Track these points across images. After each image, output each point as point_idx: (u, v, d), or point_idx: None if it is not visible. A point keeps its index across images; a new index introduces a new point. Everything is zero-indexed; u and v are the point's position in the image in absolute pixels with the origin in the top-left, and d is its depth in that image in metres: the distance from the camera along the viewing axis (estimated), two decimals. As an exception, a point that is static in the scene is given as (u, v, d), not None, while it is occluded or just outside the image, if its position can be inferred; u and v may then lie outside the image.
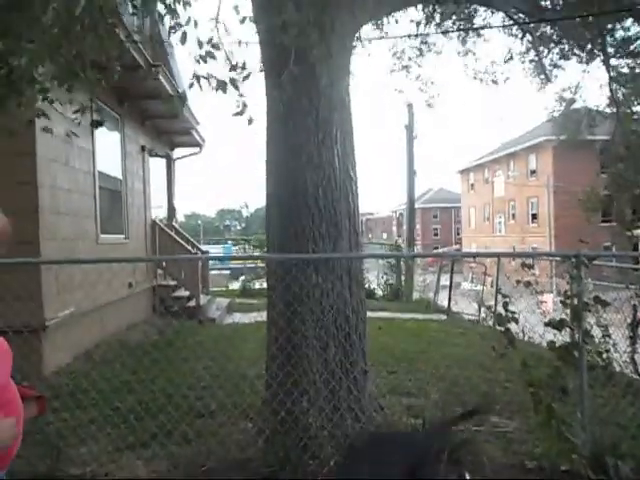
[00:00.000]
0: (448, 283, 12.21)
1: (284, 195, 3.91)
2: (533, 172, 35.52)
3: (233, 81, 3.29)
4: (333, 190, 3.86)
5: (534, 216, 35.63)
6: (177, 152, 13.29)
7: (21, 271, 5.00)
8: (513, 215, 38.66)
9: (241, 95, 3.30)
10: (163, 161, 12.48)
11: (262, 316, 6.64)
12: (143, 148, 10.16)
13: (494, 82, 7.98)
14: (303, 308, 3.65)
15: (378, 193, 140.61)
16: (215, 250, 29.65)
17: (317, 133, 3.86)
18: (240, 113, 3.31)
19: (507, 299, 3.63)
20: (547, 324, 3.69)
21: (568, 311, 3.61)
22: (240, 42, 3.42)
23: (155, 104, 9.02)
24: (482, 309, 10.14)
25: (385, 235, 72.33)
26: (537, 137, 33.02)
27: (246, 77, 3.36)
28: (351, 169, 4.04)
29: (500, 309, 3.71)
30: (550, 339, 3.69)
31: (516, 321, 3.58)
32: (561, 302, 3.76)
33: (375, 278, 15.54)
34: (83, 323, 6.69)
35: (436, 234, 59.64)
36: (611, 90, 7.63)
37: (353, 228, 3.96)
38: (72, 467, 3.51)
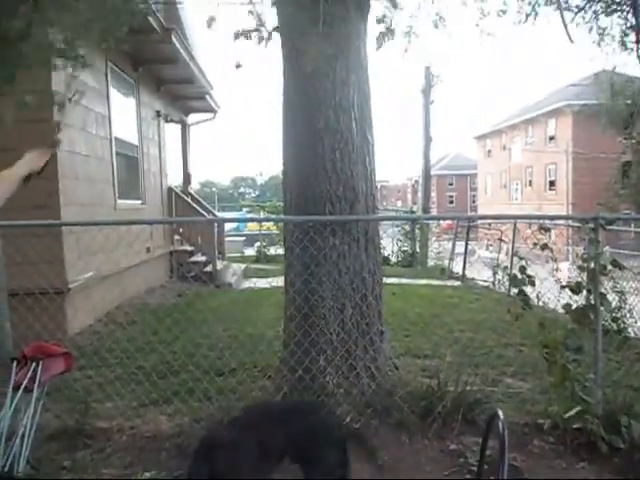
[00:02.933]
0: (463, 250, 12.16)
1: (301, 158, 3.91)
2: (552, 138, 34.71)
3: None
4: (350, 153, 3.85)
5: (552, 183, 35.02)
6: (191, 118, 13.26)
7: (45, 235, 5.16)
8: (530, 182, 38.00)
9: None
10: (178, 127, 12.47)
11: (278, 281, 6.75)
12: (158, 113, 10.15)
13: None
14: (320, 270, 3.70)
15: (393, 161, 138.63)
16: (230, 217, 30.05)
17: (334, 95, 3.81)
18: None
19: (524, 261, 3.64)
20: (563, 287, 3.71)
21: (585, 275, 3.62)
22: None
23: (170, 69, 8.97)
24: (497, 274, 10.12)
25: (400, 203, 71.86)
26: (557, 102, 32.17)
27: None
28: (368, 132, 4.00)
29: (516, 272, 3.74)
30: (565, 303, 3.71)
31: (532, 283, 3.60)
32: (578, 267, 3.77)
33: (389, 245, 15.54)
34: (104, 286, 6.85)
35: (451, 201, 59.04)
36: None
37: (370, 191, 3.96)
38: (99, 421, 3.65)
